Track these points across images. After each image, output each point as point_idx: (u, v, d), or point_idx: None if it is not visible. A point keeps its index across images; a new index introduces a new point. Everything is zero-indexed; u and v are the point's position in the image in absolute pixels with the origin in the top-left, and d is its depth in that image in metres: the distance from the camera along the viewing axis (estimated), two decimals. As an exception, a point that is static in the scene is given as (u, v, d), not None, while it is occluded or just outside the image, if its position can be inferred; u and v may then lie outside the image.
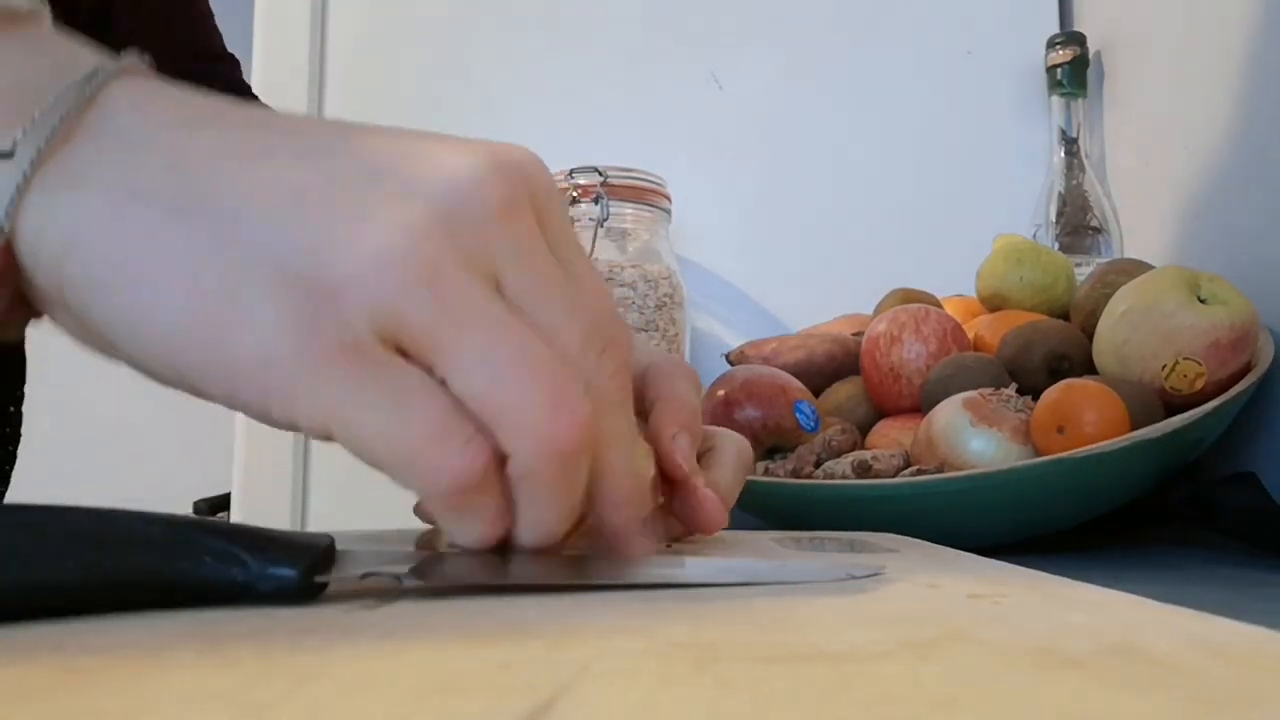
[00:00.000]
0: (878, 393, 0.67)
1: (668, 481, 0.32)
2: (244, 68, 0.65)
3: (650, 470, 0.31)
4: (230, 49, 0.64)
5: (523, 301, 0.23)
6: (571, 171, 0.75)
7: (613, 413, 0.24)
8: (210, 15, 0.62)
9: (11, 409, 0.57)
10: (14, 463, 0.59)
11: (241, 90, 0.64)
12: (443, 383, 0.21)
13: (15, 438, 0.59)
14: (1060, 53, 0.85)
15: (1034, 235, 0.83)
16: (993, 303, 0.73)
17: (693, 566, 0.29)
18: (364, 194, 0.22)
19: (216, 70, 0.62)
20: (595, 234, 0.73)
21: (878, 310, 0.75)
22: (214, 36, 0.62)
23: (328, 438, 0.21)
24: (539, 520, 0.24)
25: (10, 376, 0.56)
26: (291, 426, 0.21)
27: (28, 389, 0.58)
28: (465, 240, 0.22)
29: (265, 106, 0.27)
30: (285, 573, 0.23)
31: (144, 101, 0.23)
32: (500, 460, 0.22)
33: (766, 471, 0.62)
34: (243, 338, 0.21)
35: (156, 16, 0.56)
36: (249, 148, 0.22)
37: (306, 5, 0.92)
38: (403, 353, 0.21)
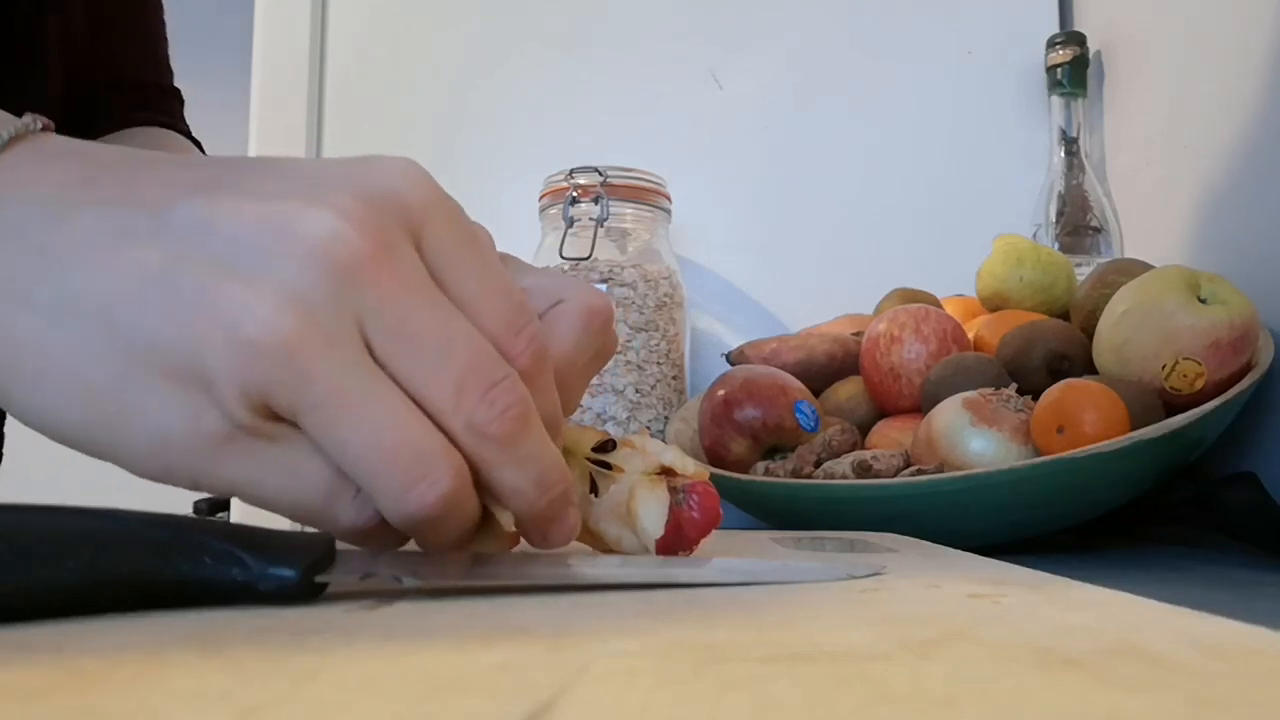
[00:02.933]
0: (878, 393, 0.67)
1: None
2: (244, 68, 0.65)
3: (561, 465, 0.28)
4: (230, 49, 0.64)
5: (390, 359, 0.22)
6: (571, 171, 0.75)
7: (501, 450, 0.23)
8: (152, 47, 0.62)
9: None
10: None
11: (173, 116, 0.64)
12: None
13: None
14: (1060, 53, 0.85)
15: (1034, 235, 0.83)
16: (993, 303, 0.73)
17: (693, 567, 0.29)
18: (221, 278, 0.22)
19: (146, 101, 0.62)
20: (595, 234, 0.73)
21: (878, 310, 0.75)
22: (148, 67, 0.63)
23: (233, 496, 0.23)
24: (433, 545, 0.25)
25: None
26: (194, 489, 0.24)
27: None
28: (323, 312, 0.22)
29: (168, 142, 0.28)
30: (285, 573, 0.23)
31: (25, 179, 0.24)
32: None
33: (766, 471, 0.62)
34: (137, 429, 0.22)
35: (86, 49, 0.56)
36: (111, 232, 0.23)
37: (306, 5, 0.92)
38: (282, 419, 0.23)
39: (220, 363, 0.21)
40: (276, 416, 0.22)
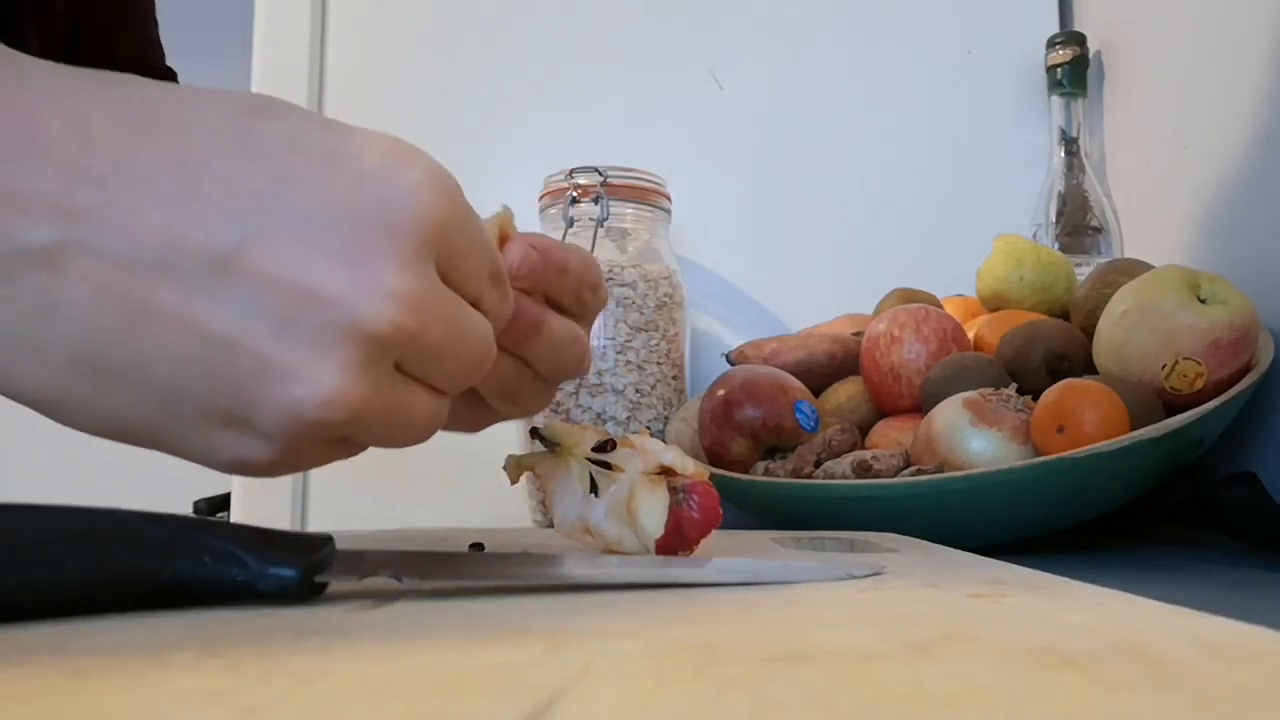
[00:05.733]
0: (878, 393, 0.67)
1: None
2: (244, 68, 0.65)
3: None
4: (230, 49, 0.64)
5: (416, 374, 0.26)
6: (571, 171, 0.75)
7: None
8: (143, 31, 0.62)
9: None
10: None
11: None
12: None
13: None
14: (1060, 53, 0.85)
15: (1034, 235, 0.83)
16: (993, 303, 0.73)
17: (693, 567, 0.29)
18: (277, 349, 0.23)
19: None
20: (595, 234, 0.73)
21: (878, 310, 0.75)
22: (139, 50, 0.62)
23: None
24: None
25: None
26: None
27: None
28: (375, 371, 0.24)
29: None
30: (285, 573, 0.23)
31: None
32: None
33: (766, 471, 0.61)
34: (201, 455, 0.25)
35: (73, 42, 0.56)
36: (131, 292, 0.22)
37: (306, 5, 0.92)
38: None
39: (281, 426, 0.23)
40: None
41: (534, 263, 0.32)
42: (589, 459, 0.33)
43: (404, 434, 0.26)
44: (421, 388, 0.26)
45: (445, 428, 0.33)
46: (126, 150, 0.22)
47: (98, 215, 0.22)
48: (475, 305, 0.27)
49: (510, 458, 0.34)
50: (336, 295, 0.23)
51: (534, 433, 0.34)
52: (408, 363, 0.25)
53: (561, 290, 0.34)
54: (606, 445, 0.33)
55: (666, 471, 0.33)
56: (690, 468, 0.33)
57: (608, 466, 0.33)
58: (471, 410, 0.34)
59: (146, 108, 0.23)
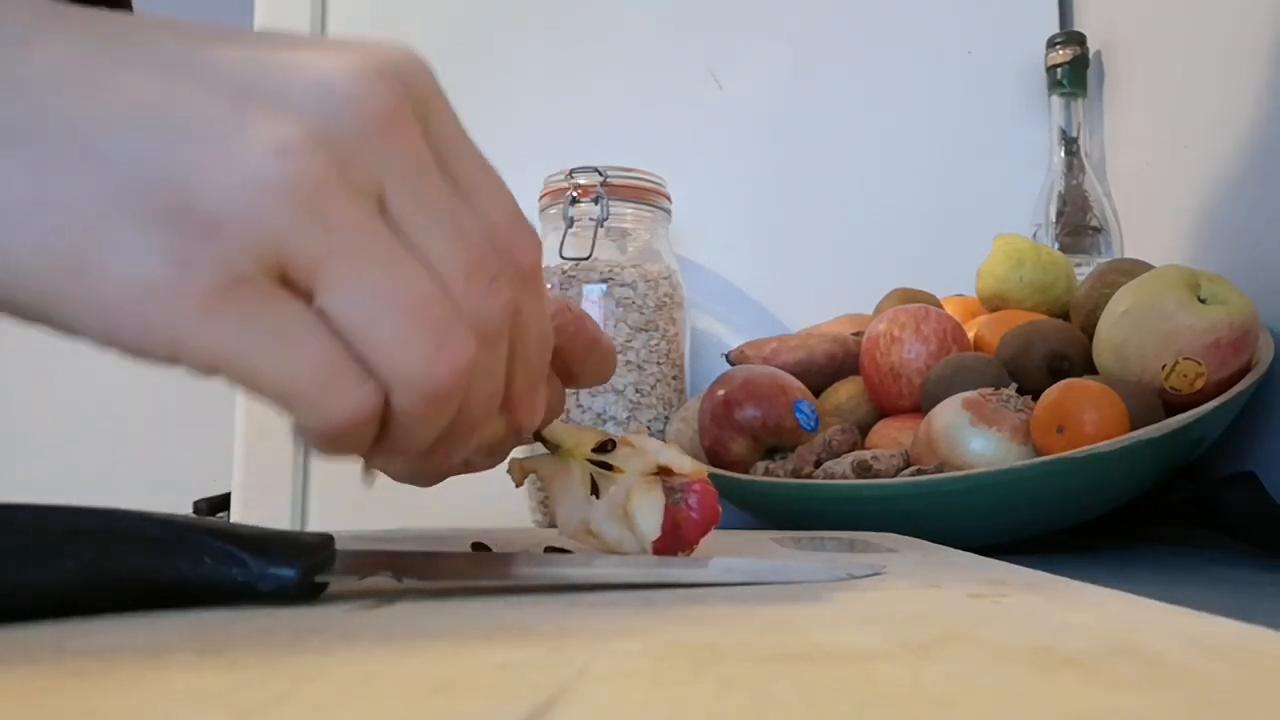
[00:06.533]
0: (878, 393, 0.67)
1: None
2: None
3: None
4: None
5: (407, 226, 0.21)
6: (571, 171, 0.75)
7: (489, 347, 0.23)
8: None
9: None
10: None
11: None
12: (324, 313, 0.20)
13: None
14: (1060, 53, 0.85)
15: (1034, 235, 0.83)
16: (993, 303, 0.73)
17: (693, 567, 0.29)
18: (234, 109, 0.19)
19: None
20: (595, 234, 0.73)
21: (878, 310, 0.75)
22: None
23: (214, 374, 0.20)
24: (406, 444, 0.23)
25: None
26: (173, 364, 0.20)
27: (28, 388, 0.59)
28: (347, 160, 0.20)
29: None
30: (285, 573, 0.23)
31: None
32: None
33: (766, 471, 0.62)
34: (112, 278, 0.19)
35: None
36: (99, 60, 0.20)
37: (306, 5, 0.92)
38: (285, 281, 0.20)
39: (232, 201, 0.19)
40: (273, 276, 0.20)
41: (567, 321, 0.31)
42: (589, 460, 0.33)
43: (391, 297, 0.20)
44: (414, 259, 0.21)
45: (398, 478, 0.31)
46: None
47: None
48: (498, 241, 0.23)
49: (513, 460, 0.34)
50: (307, 66, 0.20)
51: (535, 435, 0.34)
52: (392, 203, 0.21)
53: (585, 366, 0.33)
54: (606, 445, 0.33)
55: (664, 471, 0.33)
56: (688, 466, 0.33)
57: (608, 467, 0.33)
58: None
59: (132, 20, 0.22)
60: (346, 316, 0.20)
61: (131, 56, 0.20)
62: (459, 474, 0.33)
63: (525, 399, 0.25)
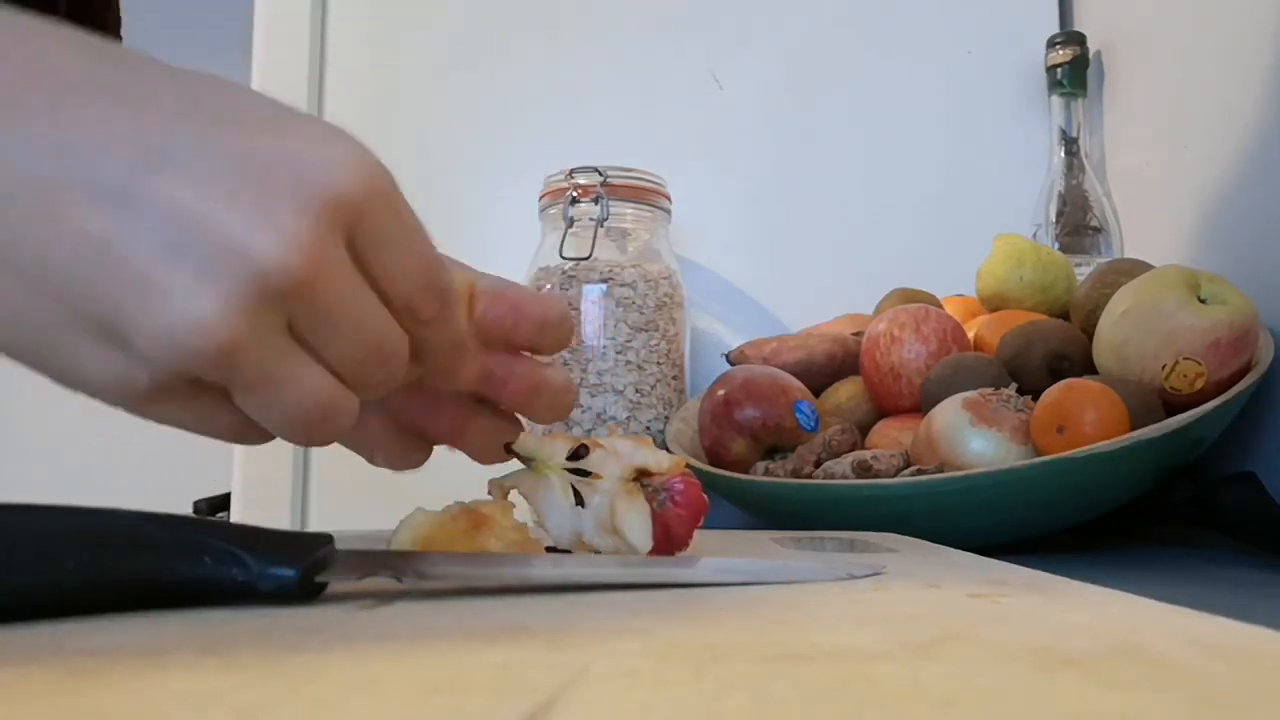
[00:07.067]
0: (878, 393, 0.67)
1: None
2: (244, 68, 0.65)
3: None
4: (230, 49, 0.64)
5: (309, 340, 0.25)
6: (571, 171, 0.75)
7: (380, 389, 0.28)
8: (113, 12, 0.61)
9: None
10: None
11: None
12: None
13: None
14: (1060, 53, 0.85)
15: (1034, 235, 0.83)
16: (993, 303, 0.73)
17: (693, 566, 0.29)
18: (166, 267, 0.22)
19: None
20: (595, 234, 0.73)
21: (878, 310, 0.75)
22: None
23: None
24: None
25: None
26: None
27: (27, 389, 0.59)
28: (259, 317, 0.23)
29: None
30: (285, 573, 0.23)
31: None
32: None
33: (766, 471, 0.61)
34: (65, 370, 0.24)
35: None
36: (50, 178, 0.23)
37: (306, 5, 0.92)
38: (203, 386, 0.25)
39: (155, 349, 0.23)
40: (199, 381, 0.24)
41: (501, 317, 0.32)
42: (566, 469, 0.33)
43: (288, 406, 0.25)
44: (314, 363, 0.25)
45: (376, 461, 0.34)
46: (82, 72, 0.24)
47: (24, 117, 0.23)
48: (403, 309, 0.27)
49: (492, 482, 0.33)
50: (231, 228, 0.23)
51: (507, 448, 0.33)
52: (299, 324, 0.25)
53: (541, 342, 0.34)
54: (579, 452, 0.33)
55: (642, 473, 0.33)
56: (665, 463, 0.33)
57: (586, 474, 0.32)
58: (405, 444, 0.34)
59: (109, 49, 0.25)
60: (249, 414, 0.26)
61: (73, 176, 0.23)
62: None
63: (447, 369, 0.30)
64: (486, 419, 0.34)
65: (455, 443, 0.34)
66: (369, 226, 0.25)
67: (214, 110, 0.24)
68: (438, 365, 0.30)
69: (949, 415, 0.56)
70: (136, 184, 0.23)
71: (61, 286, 0.23)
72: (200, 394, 0.25)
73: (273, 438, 0.27)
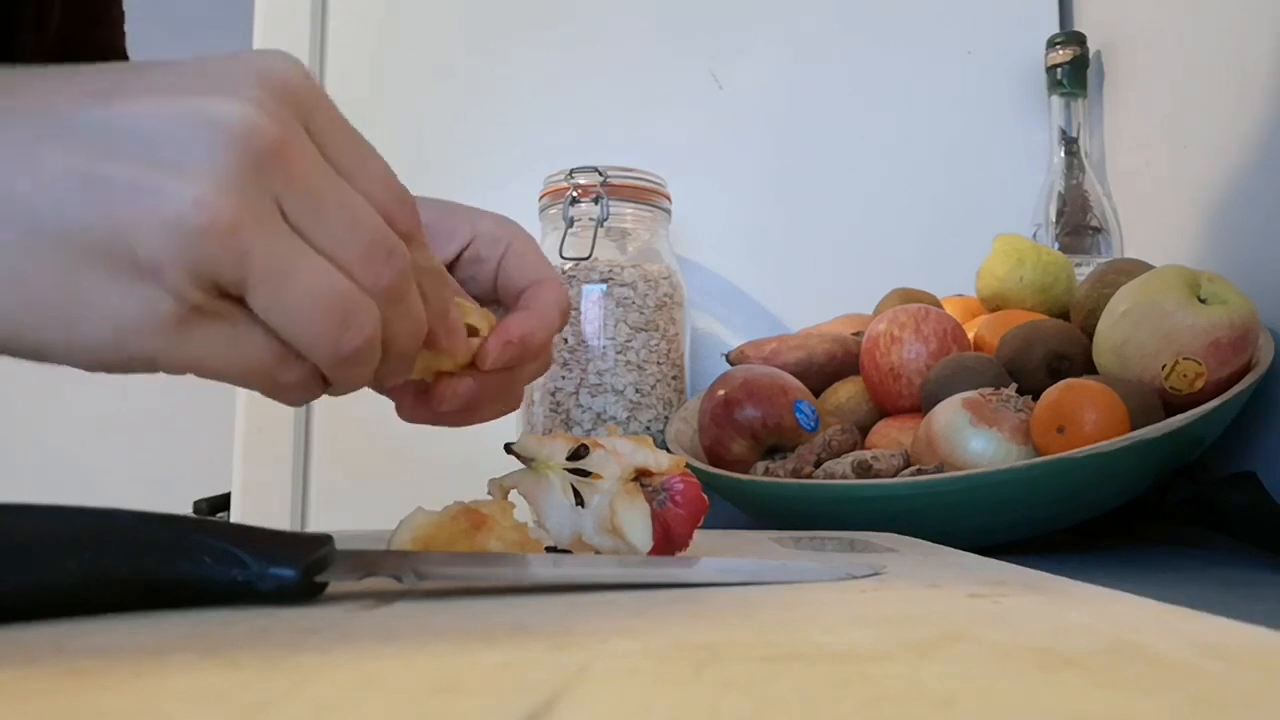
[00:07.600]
0: (878, 393, 0.67)
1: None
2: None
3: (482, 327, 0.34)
4: (230, 49, 0.64)
5: (306, 229, 0.25)
6: (571, 171, 0.75)
7: (396, 302, 0.27)
8: (113, 14, 0.62)
9: None
10: None
11: None
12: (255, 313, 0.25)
13: None
14: (1060, 53, 0.85)
15: (1034, 235, 0.83)
16: (993, 303, 0.73)
17: (694, 566, 0.29)
18: (148, 170, 0.23)
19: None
20: (595, 234, 0.73)
21: (878, 310, 0.75)
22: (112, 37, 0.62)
23: (185, 373, 0.26)
24: (347, 388, 0.28)
25: None
26: (151, 373, 0.25)
27: (28, 389, 0.59)
28: (250, 193, 0.24)
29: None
30: (285, 573, 0.23)
31: None
32: None
33: (766, 471, 0.61)
34: (94, 322, 0.23)
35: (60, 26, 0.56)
36: (21, 138, 0.23)
37: (306, 6, 0.92)
38: (223, 293, 0.25)
39: (166, 250, 0.23)
40: (222, 294, 0.24)
41: (512, 358, 0.34)
42: (566, 469, 0.33)
43: (302, 299, 0.25)
44: (319, 255, 0.25)
45: (408, 416, 0.34)
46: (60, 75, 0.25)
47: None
48: (379, 212, 0.27)
49: (492, 482, 0.34)
50: (199, 110, 0.23)
51: (507, 448, 0.33)
52: (288, 210, 0.25)
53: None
54: (579, 452, 0.33)
55: (642, 473, 0.33)
56: (665, 463, 0.33)
57: (585, 474, 0.32)
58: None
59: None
60: (270, 316, 0.25)
61: (52, 133, 0.23)
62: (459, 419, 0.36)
63: (438, 324, 0.30)
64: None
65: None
66: (323, 121, 0.26)
67: (160, 68, 0.25)
68: (426, 302, 0.29)
69: (949, 415, 0.56)
70: (94, 112, 0.23)
71: (60, 231, 0.23)
72: (227, 313, 0.25)
73: (313, 392, 0.27)
